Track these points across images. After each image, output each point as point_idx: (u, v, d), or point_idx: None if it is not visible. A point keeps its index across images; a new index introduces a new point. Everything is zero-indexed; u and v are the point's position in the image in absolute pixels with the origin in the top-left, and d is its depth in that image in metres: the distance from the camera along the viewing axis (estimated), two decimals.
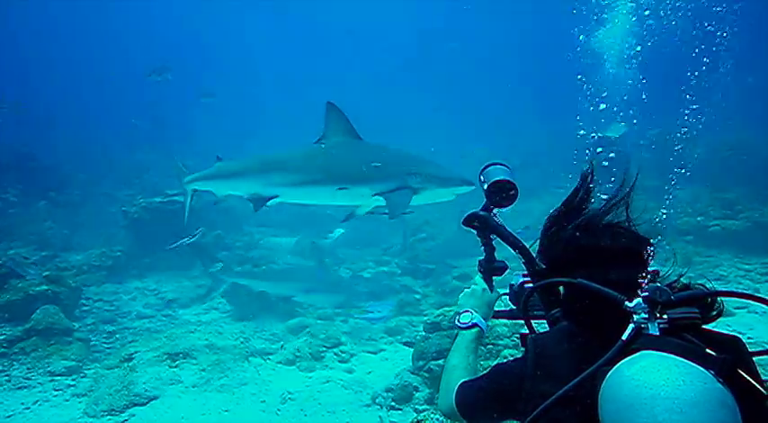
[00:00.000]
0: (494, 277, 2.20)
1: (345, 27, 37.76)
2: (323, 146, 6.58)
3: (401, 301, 9.47)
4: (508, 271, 2.16)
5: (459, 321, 2.09)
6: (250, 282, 9.23)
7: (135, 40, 37.72)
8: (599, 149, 10.48)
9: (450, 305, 7.64)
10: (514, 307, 2.02)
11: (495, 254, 2.15)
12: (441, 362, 6.30)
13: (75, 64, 35.42)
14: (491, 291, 2.18)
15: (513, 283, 1.98)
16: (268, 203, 6.69)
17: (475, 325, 2.06)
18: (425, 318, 7.84)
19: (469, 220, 2.08)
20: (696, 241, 10.45)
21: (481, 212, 2.07)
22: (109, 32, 38.42)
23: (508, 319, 2.13)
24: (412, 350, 7.11)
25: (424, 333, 7.22)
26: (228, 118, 24.03)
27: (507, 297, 2.08)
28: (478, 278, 2.20)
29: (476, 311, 2.10)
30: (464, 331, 2.07)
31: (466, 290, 2.22)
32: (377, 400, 6.34)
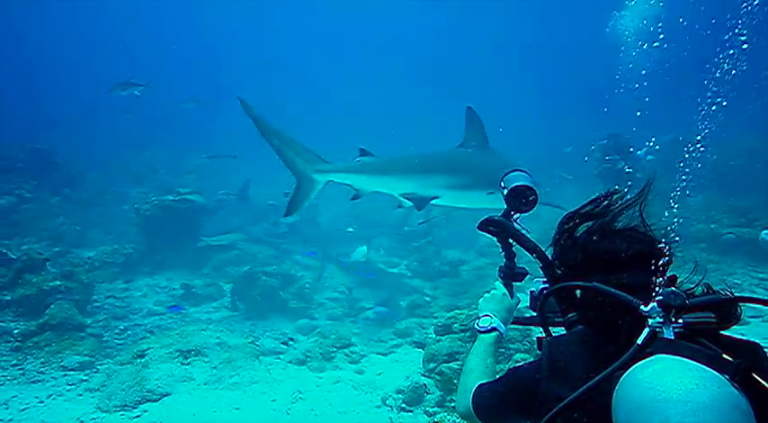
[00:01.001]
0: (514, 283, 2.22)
1: (357, 29, 37.87)
2: (470, 151, 6.86)
3: (411, 304, 9.47)
4: (528, 277, 2.18)
5: (478, 325, 2.10)
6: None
7: (149, 39, 38.10)
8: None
9: (460, 308, 7.65)
10: (534, 313, 2.03)
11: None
12: (452, 364, 6.31)
13: (88, 63, 35.73)
14: (511, 296, 2.19)
15: (533, 289, 1.98)
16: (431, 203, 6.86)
17: (494, 329, 2.07)
18: (435, 320, 7.86)
19: (485, 225, 2.09)
20: (709, 249, 10.37)
21: (497, 217, 2.09)
22: (123, 31, 38.77)
23: (527, 325, 2.14)
24: (422, 352, 7.12)
25: (434, 335, 7.24)
26: (238, 120, 24.16)
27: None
28: (499, 283, 2.21)
29: (495, 316, 2.11)
30: (483, 335, 2.08)
31: (486, 294, 2.24)
32: (387, 402, 6.35)
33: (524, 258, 2.11)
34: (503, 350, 6.07)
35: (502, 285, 2.20)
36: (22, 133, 17.69)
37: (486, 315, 2.12)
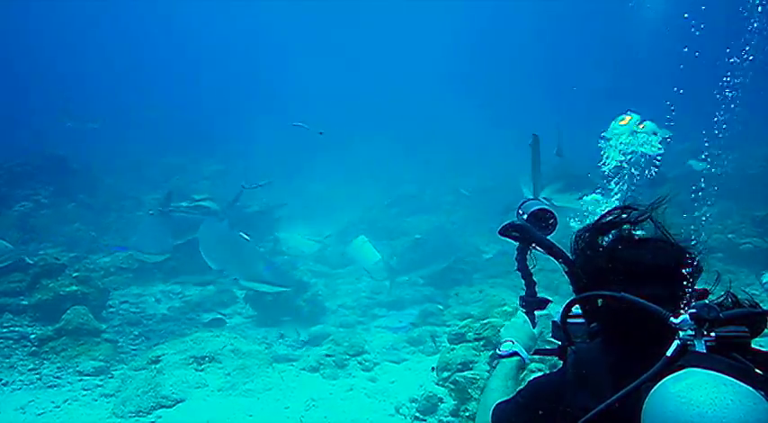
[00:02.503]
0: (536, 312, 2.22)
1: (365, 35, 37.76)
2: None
3: (424, 312, 9.43)
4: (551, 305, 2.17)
5: (499, 350, 2.11)
6: None
7: (166, 43, 38.52)
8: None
9: (473, 316, 7.60)
10: (557, 342, 1.97)
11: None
12: (466, 373, 6.24)
13: (106, 67, 36.02)
14: (533, 326, 2.19)
15: (555, 319, 1.98)
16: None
17: (515, 353, 2.08)
18: (449, 329, 7.82)
19: (506, 230, 2.09)
20: (726, 259, 10.21)
21: (519, 222, 2.08)
22: (139, 35, 39.12)
23: (550, 355, 2.12)
24: (435, 360, 7.07)
25: (448, 344, 7.19)
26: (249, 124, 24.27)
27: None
28: (520, 312, 2.22)
29: (517, 342, 2.11)
30: (504, 360, 2.08)
31: (507, 322, 2.26)
32: (401, 411, 6.32)
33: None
34: None
35: (523, 314, 2.22)
36: (43, 138, 17.94)
37: (508, 341, 2.12)
